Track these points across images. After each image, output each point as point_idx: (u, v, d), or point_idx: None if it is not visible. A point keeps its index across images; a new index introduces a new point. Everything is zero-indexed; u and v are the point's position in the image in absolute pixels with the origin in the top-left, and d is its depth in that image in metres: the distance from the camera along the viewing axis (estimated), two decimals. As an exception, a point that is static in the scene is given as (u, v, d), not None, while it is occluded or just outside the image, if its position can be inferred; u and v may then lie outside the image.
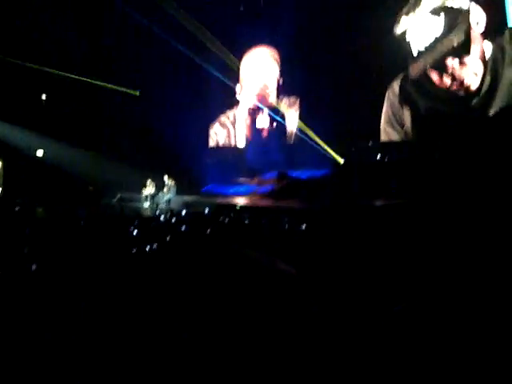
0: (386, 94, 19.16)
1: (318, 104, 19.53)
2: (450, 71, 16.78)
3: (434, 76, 17.22)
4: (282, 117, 22.46)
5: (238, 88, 24.04)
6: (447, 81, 16.82)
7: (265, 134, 23.27)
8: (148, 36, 20.61)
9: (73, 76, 21.48)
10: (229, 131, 24.83)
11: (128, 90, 23.41)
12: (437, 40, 16.76)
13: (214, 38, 21.15)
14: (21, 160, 21.36)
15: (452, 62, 16.48)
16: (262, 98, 23.32)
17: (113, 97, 22.66)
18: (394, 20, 17.93)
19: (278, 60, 23.01)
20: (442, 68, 16.89)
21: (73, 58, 20.91)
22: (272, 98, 23.09)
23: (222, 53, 21.73)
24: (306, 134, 20.29)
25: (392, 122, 18.98)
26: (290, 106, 22.50)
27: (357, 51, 18.26)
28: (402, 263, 6.23)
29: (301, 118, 21.37)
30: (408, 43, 17.65)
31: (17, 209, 15.87)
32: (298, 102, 22.26)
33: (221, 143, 24.87)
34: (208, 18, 20.90)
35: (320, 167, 18.93)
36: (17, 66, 20.41)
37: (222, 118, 25.00)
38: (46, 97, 23.15)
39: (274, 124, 22.86)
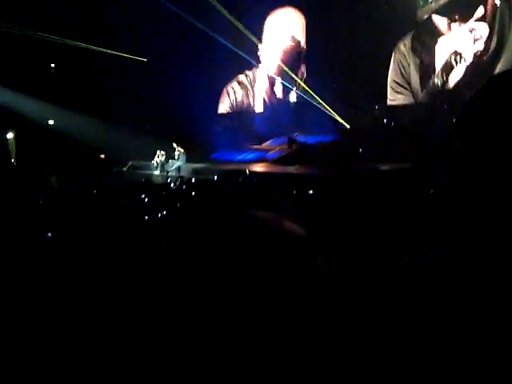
0: (392, 55, 19.00)
1: (325, 69, 19.44)
2: (456, 18, 16.64)
3: (442, 24, 17.06)
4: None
5: (260, 48, 23.64)
6: (454, 29, 16.68)
7: (278, 100, 23.28)
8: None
9: (82, 44, 21.50)
10: (247, 91, 24.63)
11: (135, 57, 23.40)
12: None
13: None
14: (32, 130, 21.60)
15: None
16: (285, 61, 23.15)
17: (121, 65, 22.68)
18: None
19: (304, 24, 22.65)
20: (448, 15, 16.78)
21: (81, 27, 20.91)
22: (293, 65, 22.87)
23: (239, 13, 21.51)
24: (313, 100, 20.30)
25: (399, 82, 18.83)
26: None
27: (366, 12, 18.13)
28: (404, 227, 6.44)
29: (308, 83, 21.29)
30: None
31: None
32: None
33: (238, 101, 24.80)
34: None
35: (327, 133, 19.02)
36: (25, 36, 20.47)
37: (241, 77, 24.74)
38: (56, 66, 23.24)
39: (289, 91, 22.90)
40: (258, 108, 24.03)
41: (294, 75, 22.22)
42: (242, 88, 24.72)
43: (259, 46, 23.34)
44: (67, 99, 22.64)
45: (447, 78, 16.83)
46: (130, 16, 21.49)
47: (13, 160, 21.65)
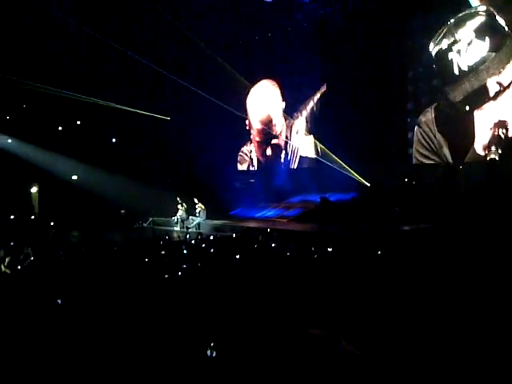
0: (418, 122, 18.84)
1: (341, 127, 19.63)
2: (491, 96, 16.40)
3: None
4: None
5: (247, 122, 24.87)
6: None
7: (280, 160, 23.81)
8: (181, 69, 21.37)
9: (107, 103, 22.15)
10: (250, 162, 25.47)
11: (159, 116, 24.00)
12: (483, 60, 16.24)
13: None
14: (56, 185, 22.00)
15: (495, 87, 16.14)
16: (269, 128, 23.93)
17: (145, 122, 23.24)
18: (429, 41, 17.72)
19: (279, 88, 23.64)
20: (483, 93, 16.50)
21: (107, 86, 21.59)
22: (278, 126, 23.66)
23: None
24: (329, 158, 20.45)
25: (427, 152, 18.65)
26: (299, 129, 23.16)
27: (383, 70, 18.41)
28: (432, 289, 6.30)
29: (323, 141, 21.60)
30: (448, 62, 17.35)
31: (51, 233, 16.34)
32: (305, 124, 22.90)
33: (255, 160, 25.54)
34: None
35: (347, 191, 19.03)
36: (53, 95, 21.19)
37: (244, 150, 25.70)
38: (82, 123, 23.89)
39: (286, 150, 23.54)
40: (275, 166, 24.54)
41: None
42: (244, 161, 25.61)
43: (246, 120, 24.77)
44: (91, 155, 23.15)
45: (496, 150, 16.44)
46: (156, 76, 22.18)
47: (35, 214, 21.94)
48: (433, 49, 17.40)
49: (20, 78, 20.12)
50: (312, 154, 21.89)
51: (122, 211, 22.90)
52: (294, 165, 23.27)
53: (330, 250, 12.25)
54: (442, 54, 17.26)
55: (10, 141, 21.90)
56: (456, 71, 16.86)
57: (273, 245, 12.10)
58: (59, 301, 6.57)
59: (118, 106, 22.45)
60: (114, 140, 25.24)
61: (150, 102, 23.03)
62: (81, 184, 22.48)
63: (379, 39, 18.76)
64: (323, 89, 21.66)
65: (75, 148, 22.84)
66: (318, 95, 22.11)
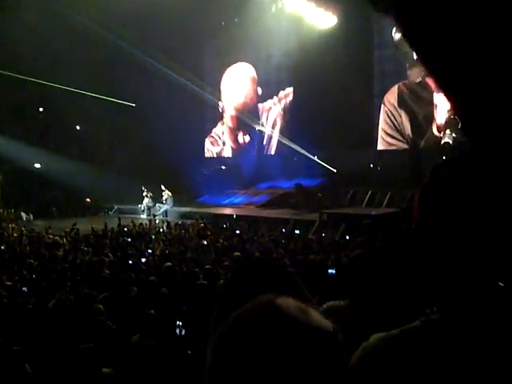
0: (382, 104, 19.33)
1: (305, 115, 19.73)
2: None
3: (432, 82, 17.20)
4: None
5: (220, 105, 24.87)
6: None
7: (251, 146, 23.88)
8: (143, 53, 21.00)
9: (70, 88, 21.65)
10: (220, 146, 25.44)
11: (124, 102, 23.61)
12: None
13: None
14: (18, 173, 21.50)
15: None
16: (243, 112, 23.93)
17: (110, 109, 22.83)
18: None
19: (255, 73, 23.72)
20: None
21: (70, 71, 21.07)
22: (252, 111, 23.70)
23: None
24: (295, 145, 20.56)
25: (390, 133, 19.11)
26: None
27: (349, 57, 18.48)
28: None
29: (289, 129, 21.70)
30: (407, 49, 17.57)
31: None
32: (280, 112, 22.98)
33: (221, 148, 25.52)
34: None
35: (313, 177, 19.11)
36: (13, 80, 20.63)
37: (213, 134, 25.59)
38: (44, 110, 23.35)
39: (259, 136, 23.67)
40: (231, 158, 24.66)
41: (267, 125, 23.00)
42: (214, 144, 25.63)
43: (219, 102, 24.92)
44: (54, 143, 22.66)
45: (450, 133, 16.86)
46: (122, 63, 21.79)
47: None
48: (395, 33, 17.61)
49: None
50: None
51: (87, 200, 22.53)
52: (271, 151, 23.36)
53: (297, 232, 12.38)
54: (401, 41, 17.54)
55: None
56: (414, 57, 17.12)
57: (237, 231, 12.11)
58: (25, 289, 6.45)
59: (83, 92, 21.99)
60: (78, 127, 24.77)
61: (116, 88, 22.64)
62: (44, 172, 21.97)
63: (346, 22, 18.94)
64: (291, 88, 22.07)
65: (38, 135, 22.34)
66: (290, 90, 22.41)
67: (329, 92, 18.92)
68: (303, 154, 20.23)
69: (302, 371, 0.61)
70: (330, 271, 5.85)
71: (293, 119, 21.81)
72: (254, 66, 23.61)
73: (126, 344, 4.29)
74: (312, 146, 19.51)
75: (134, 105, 23.93)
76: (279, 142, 22.85)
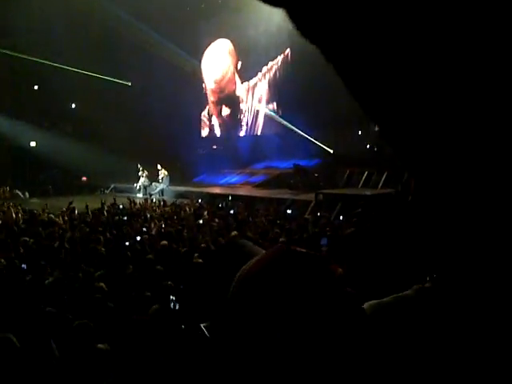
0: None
1: (300, 96, 19.50)
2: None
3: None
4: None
5: (203, 85, 24.76)
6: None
7: (236, 123, 23.79)
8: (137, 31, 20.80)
9: (65, 67, 21.50)
10: (211, 126, 25.34)
11: (120, 81, 23.51)
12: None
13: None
14: (13, 151, 21.44)
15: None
16: (223, 87, 23.85)
17: (106, 87, 22.72)
18: None
19: (233, 49, 23.42)
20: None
21: (66, 49, 20.90)
22: (232, 85, 23.60)
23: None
24: (291, 125, 20.41)
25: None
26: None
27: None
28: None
29: (285, 109, 21.50)
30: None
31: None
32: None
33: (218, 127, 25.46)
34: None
35: (310, 157, 19.09)
36: (8, 57, 20.46)
37: (204, 114, 25.50)
38: (39, 87, 23.18)
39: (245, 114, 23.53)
40: (239, 133, 24.36)
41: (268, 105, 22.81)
42: (205, 125, 25.63)
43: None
44: (49, 121, 22.54)
45: None
46: (118, 41, 21.60)
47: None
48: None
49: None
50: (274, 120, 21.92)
51: (83, 178, 22.49)
52: (257, 131, 23.22)
53: (289, 212, 12.42)
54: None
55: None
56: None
57: (231, 211, 12.14)
58: (24, 265, 6.47)
59: (78, 71, 21.85)
60: (73, 105, 24.62)
61: (112, 66, 22.51)
62: (40, 150, 21.92)
63: None
64: (287, 51, 21.45)
65: (33, 113, 22.21)
66: (280, 58, 21.95)
67: (324, 61, 18.70)
68: (297, 133, 20.05)
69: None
70: (322, 241, 5.91)
71: (285, 94, 21.21)
72: (236, 40, 23.05)
73: (121, 320, 4.34)
74: (308, 125, 19.36)
75: (129, 84, 23.84)
76: (269, 121, 22.60)
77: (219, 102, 24.54)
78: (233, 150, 22.77)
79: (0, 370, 3.26)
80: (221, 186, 19.91)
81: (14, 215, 12.03)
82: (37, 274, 5.63)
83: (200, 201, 14.89)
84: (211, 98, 24.79)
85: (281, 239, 7.49)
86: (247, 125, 23.64)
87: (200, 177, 21.64)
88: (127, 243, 7.84)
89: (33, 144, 22.68)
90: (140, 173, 19.97)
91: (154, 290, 4.99)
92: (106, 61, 21.96)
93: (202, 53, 24.35)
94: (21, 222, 11.26)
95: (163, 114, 21.91)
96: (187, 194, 17.80)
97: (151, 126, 22.40)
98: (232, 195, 16.27)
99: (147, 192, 19.59)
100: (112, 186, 21.52)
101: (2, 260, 6.46)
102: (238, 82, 23.57)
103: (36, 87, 23.48)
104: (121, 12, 20.34)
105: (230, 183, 20.30)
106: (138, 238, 8.30)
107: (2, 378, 3.25)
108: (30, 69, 21.39)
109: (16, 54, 20.58)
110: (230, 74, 23.76)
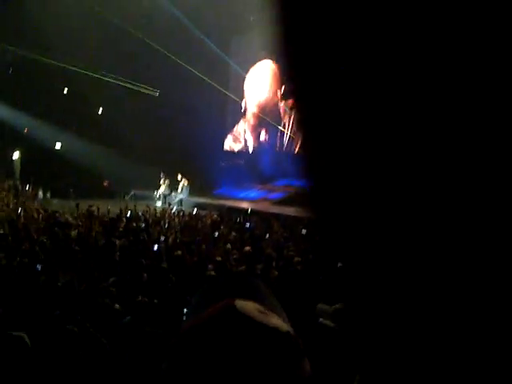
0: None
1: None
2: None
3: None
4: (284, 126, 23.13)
5: (243, 103, 24.78)
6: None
7: (271, 144, 23.75)
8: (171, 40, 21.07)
9: (95, 75, 21.89)
10: (241, 143, 25.41)
11: (148, 90, 23.80)
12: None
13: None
14: (39, 151, 21.72)
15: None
16: (265, 112, 23.89)
17: (133, 94, 23.02)
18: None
19: (277, 70, 23.21)
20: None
21: (96, 57, 21.29)
22: (275, 110, 23.60)
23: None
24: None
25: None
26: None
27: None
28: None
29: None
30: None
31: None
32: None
33: (243, 142, 25.50)
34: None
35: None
36: (41, 62, 20.88)
37: (235, 130, 25.59)
38: (68, 92, 23.56)
39: (278, 135, 23.51)
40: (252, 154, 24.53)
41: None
42: (236, 141, 25.62)
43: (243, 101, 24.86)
44: (76, 125, 22.86)
45: None
46: (147, 54, 21.92)
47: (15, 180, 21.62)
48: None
49: (7, 43, 19.87)
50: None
51: (105, 183, 22.69)
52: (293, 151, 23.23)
53: (304, 231, 12.31)
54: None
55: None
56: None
57: (249, 226, 12.10)
58: (38, 267, 6.50)
59: (107, 79, 22.24)
60: (100, 111, 24.98)
61: (140, 76, 22.89)
62: (64, 153, 22.22)
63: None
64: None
65: (60, 117, 22.55)
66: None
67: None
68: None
69: (259, 372, 0.61)
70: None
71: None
72: (279, 63, 23.29)
73: (135, 331, 4.32)
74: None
75: (156, 94, 24.13)
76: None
77: (259, 126, 24.64)
78: (255, 165, 22.75)
79: (11, 367, 3.28)
80: (240, 199, 19.90)
81: (35, 214, 12.19)
82: (50, 276, 5.66)
83: (218, 213, 14.90)
84: (251, 121, 24.89)
85: (296, 259, 7.43)
86: (277, 144, 23.66)
87: (220, 189, 21.68)
88: (143, 250, 7.86)
89: (58, 146, 23.00)
90: (161, 181, 20.07)
91: (167, 300, 4.97)
92: (135, 71, 22.31)
93: (247, 70, 24.50)
94: (40, 221, 11.38)
95: (187, 126, 22.05)
96: (206, 206, 17.83)
97: (175, 136, 22.55)
98: (250, 210, 16.23)
99: (166, 201, 19.66)
100: (132, 192, 21.65)
101: (18, 258, 6.53)
102: (280, 106, 23.58)
103: (65, 91, 23.87)
104: (153, 26, 20.83)
105: (249, 198, 20.29)
106: (156, 247, 8.31)
107: (12, 374, 3.28)
108: (61, 73, 21.76)
109: (50, 61, 21.01)
110: (273, 99, 23.77)
